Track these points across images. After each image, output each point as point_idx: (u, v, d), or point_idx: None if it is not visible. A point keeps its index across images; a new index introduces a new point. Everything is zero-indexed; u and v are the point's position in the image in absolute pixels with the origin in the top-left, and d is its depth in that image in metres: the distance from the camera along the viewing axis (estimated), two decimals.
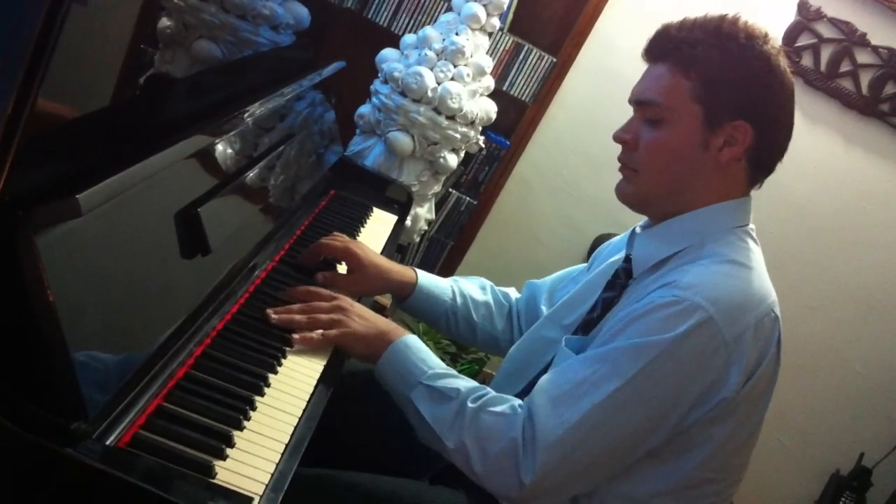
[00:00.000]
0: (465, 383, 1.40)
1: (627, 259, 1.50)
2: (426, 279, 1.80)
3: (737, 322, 1.29)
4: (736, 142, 1.38)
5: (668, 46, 1.41)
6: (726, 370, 1.28)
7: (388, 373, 1.43)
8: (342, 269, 1.74)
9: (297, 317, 1.45)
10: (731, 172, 1.41)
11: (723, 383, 1.29)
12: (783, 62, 1.40)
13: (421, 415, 1.38)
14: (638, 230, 1.52)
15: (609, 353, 1.31)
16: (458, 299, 1.81)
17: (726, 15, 1.41)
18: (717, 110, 1.37)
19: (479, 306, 1.83)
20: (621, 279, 1.50)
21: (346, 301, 1.50)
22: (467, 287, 1.84)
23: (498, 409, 1.34)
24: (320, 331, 1.43)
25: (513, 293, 1.88)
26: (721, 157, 1.39)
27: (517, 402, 1.36)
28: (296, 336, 1.41)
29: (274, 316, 1.43)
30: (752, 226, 1.45)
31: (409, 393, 1.39)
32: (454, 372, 1.43)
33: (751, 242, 1.42)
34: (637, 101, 1.45)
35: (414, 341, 1.46)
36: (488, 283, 1.89)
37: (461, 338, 1.86)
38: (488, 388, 1.40)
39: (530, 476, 1.28)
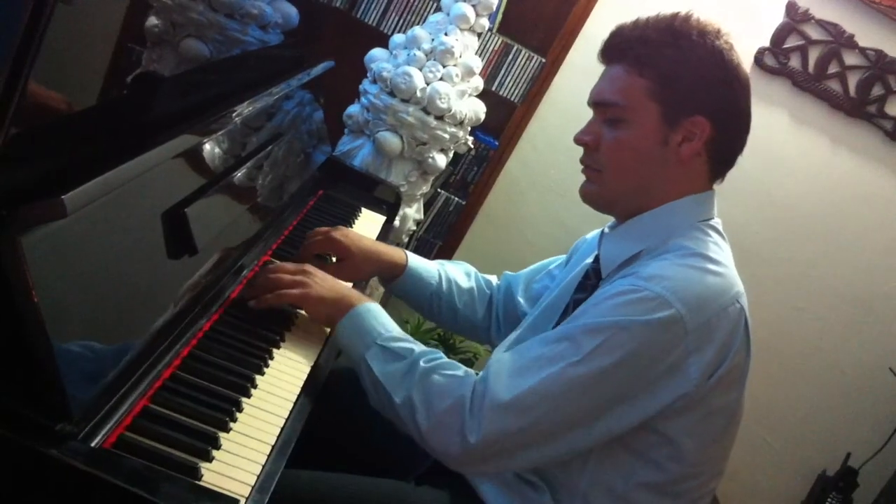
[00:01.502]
0: (419, 347, 1.41)
1: (597, 259, 1.51)
2: (416, 262, 1.82)
3: (698, 313, 1.29)
4: (694, 137, 1.39)
5: (622, 47, 1.43)
6: (685, 360, 1.28)
7: (346, 335, 1.44)
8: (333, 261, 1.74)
9: (259, 282, 1.49)
10: (692, 167, 1.42)
11: (682, 374, 1.29)
12: (736, 56, 1.42)
13: (373, 372, 1.38)
14: (606, 230, 1.53)
15: (568, 331, 1.32)
16: (444, 284, 1.82)
17: (679, 12, 1.42)
18: (674, 107, 1.39)
19: (462, 293, 1.84)
20: (591, 280, 1.51)
21: (311, 268, 1.53)
22: (453, 272, 1.86)
23: (450, 371, 1.36)
24: (276, 293, 1.46)
25: (495, 280, 1.90)
26: (681, 153, 1.40)
27: (471, 371, 1.37)
28: (252, 302, 1.45)
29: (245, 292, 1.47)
30: (717, 219, 1.46)
31: (365, 353, 1.40)
32: (411, 338, 1.44)
33: (716, 235, 1.43)
34: (595, 103, 1.46)
35: (375, 307, 1.47)
36: (473, 270, 1.90)
37: (441, 321, 1.88)
38: (441, 353, 1.40)
39: (474, 435, 1.28)
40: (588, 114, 1.49)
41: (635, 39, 1.41)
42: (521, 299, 1.80)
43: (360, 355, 1.41)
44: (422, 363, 1.36)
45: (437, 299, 1.82)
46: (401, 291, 1.83)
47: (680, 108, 1.38)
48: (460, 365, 1.38)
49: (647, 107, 1.39)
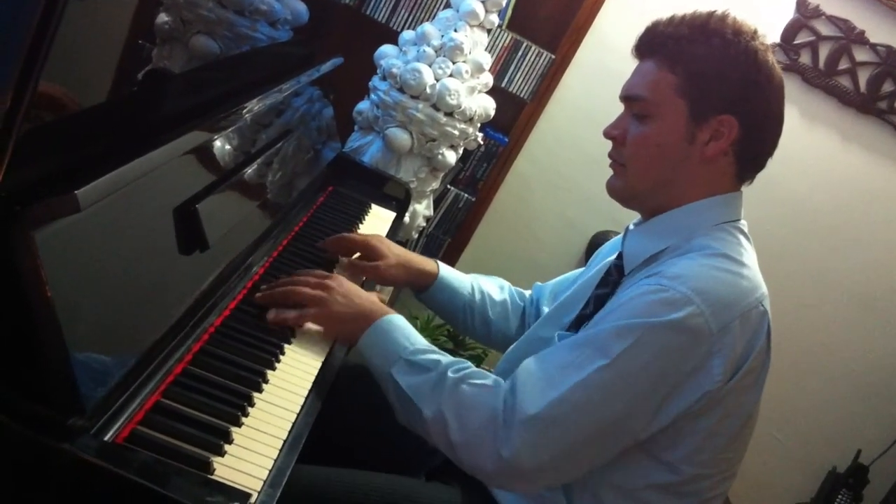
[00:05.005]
0: (446, 357, 1.40)
1: (620, 256, 1.51)
2: (447, 271, 1.82)
3: (722, 314, 1.29)
4: (722, 136, 1.39)
5: (655, 42, 1.43)
6: (708, 361, 1.28)
7: (369, 350, 1.42)
8: None
9: (278, 289, 1.46)
10: (718, 167, 1.42)
11: (705, 374, 1.28)
12: (771, 58, 1.41)
13: (400, 387, 1.36)
14: (631, 227, 1.52)
15: (594, 335, 1.32)
16: (477, 295, 1.81)
17: (715, 11, 1.42)
18: (703, 104, 1.38)
19: (495, 304, 1.83)
20: (614, 276, 1.51)
21: (336, 280, 1.50)
22: (486, 285, 1.85)
23: (479, 381, 1.34)
24: (295, 312, 1.44)
25: (528, 294, 1.89)
26: (707, 151, 1.39)
27: (499, 378, 1.36)
28: (270, 313, 1.41)
29: (258, 293, 1.45)
30: (743, 221, 1.45)
31: (390, 368, 1.38)
32: (436, 349, 1.43)
33: (741, 237, 1.42)
34: (625, 97, 1.46)
35: (399, 320, 1.46)
36: (507, 284, 1.89)
37: (475, 334, 1.86)
38: (469, 363, 1.39)
39: (508, 450, 1.26)
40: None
41: (668, 36, 1.41)
42: (545, 309, 1.79)
43: (385, 371, 1.39)
44: (450, 374, 1.35)
45: (470, 311, 1.81)
46: (433, 302, 1.83)
47: (708, 106, 1.38)
48: (488, 373, 1.38)
49: (675, 103, 1.39)
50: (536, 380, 1.31)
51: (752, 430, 1.44)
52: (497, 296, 1.84)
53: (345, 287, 1.49)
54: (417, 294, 1.85)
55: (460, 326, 1.85)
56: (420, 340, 1.43)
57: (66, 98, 1.02)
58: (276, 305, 1.44)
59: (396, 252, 1.75)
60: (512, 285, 1.89)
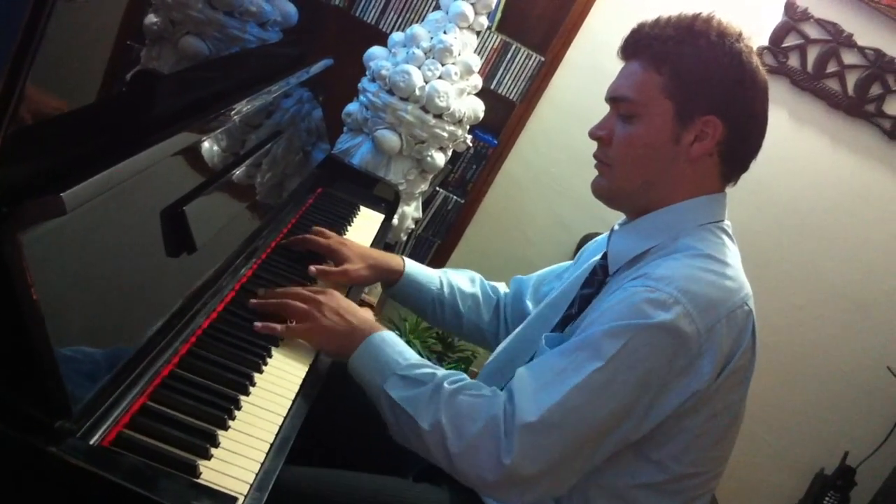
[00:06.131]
0: (441, 370, 1.39)
1: (605, 256, 1.52)
2: (413, 267, 1.83)
3: (708, 314, 1.30)
4: (707, 136, 1.40)
5: (641, 43, 1.44)
6: (698, 360, 1.30)
7: (361, 366, 1.41)
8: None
9: (271, 301, 1.46)
10: (703, 167, 1.43)
11: (695, 374, 1.30)
12: (756, 60, 1.42)
13: (394, 402, 1.35)
14: (616, 227, 1.53)
15: (586, 339, 1.32)
16: (446, 289, 1.83)
17: (700, 13, 1.43)
18: (688, 105, 1.39)
19: (466, 297, 1.85)
20: (599, 276, 1.52)
21: (328, 296, 1.49)
22: (456, 278, 1.87)
23: (476, 391, 1.35)
24: (284, 325, 1.42)
25: (502, 288, 1.90)
26: (692, 152, 1.40)
27: (496, 388, 1.37)
28: (257, 324, 1.40)
29: (252, 301, 1.45)
30: (727, 222, 1.46)
31: (383, 384, 1.37)
32: (429, 363, 1.43)
33: (725, 238, 1.44)
34: (611, 98, 1.47)
35: (391, 337, 1.45)
36: (478, 276, 1.91)
37: (447, 327, 1.88)
38: (464, 375, 1.40)
39: (509, 457, 1.26)
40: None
41: (654, 37, 1.42)
42: (529, 302, 1.81)
43: (377, 387, 1.38)
44: (446, 385, 1.35)
45: (440, 304, 1.83)
46: (401, 297, 1.84)
47: (693, 107, 1.39)
48: (484, 385, 1.38)
49: (661, 104, 1.40)
50: (533, 387, 1.31)
51: (739, 429, 1.45)
52: (468, 288, 1.86)
53: (336, 302, 1.48)
54: (385, 289, 1.87)
55: (430, 319, 1.87)
56: (413, 356, 1.43)
57: (53, 99, 1.02)
58: (267, 316, 1.43)
59: (361, 253, 1.76)
60: (484, 279, 1.91)
